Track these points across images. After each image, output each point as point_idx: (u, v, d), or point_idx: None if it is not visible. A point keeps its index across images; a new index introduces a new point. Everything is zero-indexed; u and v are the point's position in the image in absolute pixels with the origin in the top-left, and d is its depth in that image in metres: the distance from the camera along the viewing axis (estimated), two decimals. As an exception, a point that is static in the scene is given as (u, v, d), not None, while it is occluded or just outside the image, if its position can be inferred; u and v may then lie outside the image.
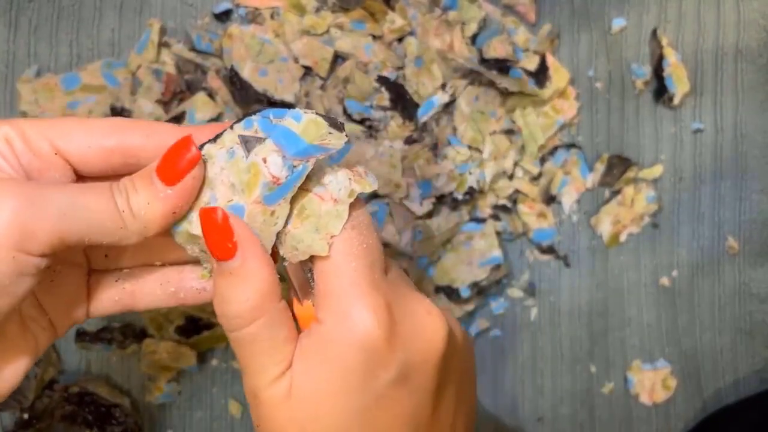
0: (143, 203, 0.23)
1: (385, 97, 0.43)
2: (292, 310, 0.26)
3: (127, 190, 0.23)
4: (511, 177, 0.45)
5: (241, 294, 0.23)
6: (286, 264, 0.25)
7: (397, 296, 0.25)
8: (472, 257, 0.44)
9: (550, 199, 0.46)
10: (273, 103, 0.42)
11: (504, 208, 0.45)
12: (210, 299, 0.26)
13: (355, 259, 0.24)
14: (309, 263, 0.25)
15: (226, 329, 0.24)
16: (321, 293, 0.24)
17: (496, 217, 0.45)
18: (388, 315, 0.24)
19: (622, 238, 0.46)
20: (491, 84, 0.44)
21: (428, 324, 0.25)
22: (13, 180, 0.22)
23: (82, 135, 0.24)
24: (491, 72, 0.44)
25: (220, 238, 0.23)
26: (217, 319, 0.24)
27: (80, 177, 0.25)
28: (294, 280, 0.26)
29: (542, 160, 0.46)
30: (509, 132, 0.45)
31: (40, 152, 0.24)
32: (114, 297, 0.28)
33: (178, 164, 0.23)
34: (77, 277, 0.28)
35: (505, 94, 0.44)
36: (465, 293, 0.44)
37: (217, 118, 0.43)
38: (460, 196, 0.44)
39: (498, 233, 0.45)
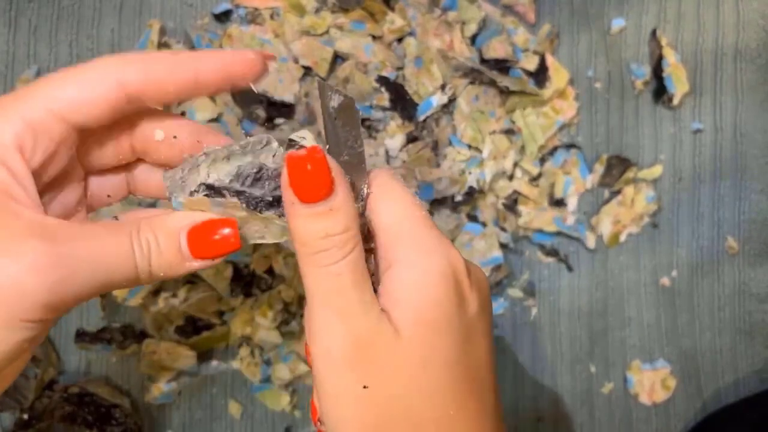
0: (165, 266, 0.23)
1: (384, 97, 0.43)
2: None
3: (150, 249, 0.23)
4: (511, 177, 0.45)
5: (343, 224, 0.24)
6: None
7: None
8: (472, 257, 0.44)
9: (556, 203, 0.46)
10: (273, 104, 0.42)
11: (505, 209, 0.45)
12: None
13: (419, 208, 0.26)
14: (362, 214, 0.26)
15: (328, 262, 0.24)
16: (397, 238, 0.25)
17: (496, 218, 0.45)
18: (459, 253, 0.26)
19: (622, 238, 0.46)
20: (492, 83, 0.44)
21: (483, 273, 0.28)
22: (37, 237, 0.21)
23: (78, 86, 0.22)
24: (492, 71, 0.44)
25: (319, 175, 0.23)
26: (312, 257, 0.24)
27: (83, 138, 0.24)
28: None
29: (542, 161, 0.46)
30: (509, 132, 0.45)
31: (50, 133, 0.22)
32: (116, 185, 0.27)
33: (212, 249, 0.23)
34: (76, 183, 0.26)
35: (506, 93, 0.44)
36: (465, 293, 0.44)
37: (217, 119, 0.43)
38: (460, 197, 0.44)
39: (498, 234, 0.45)
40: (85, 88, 0.22)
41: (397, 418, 0.24)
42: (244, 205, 0.24)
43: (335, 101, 0.25)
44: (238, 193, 0.24)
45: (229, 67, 0.24)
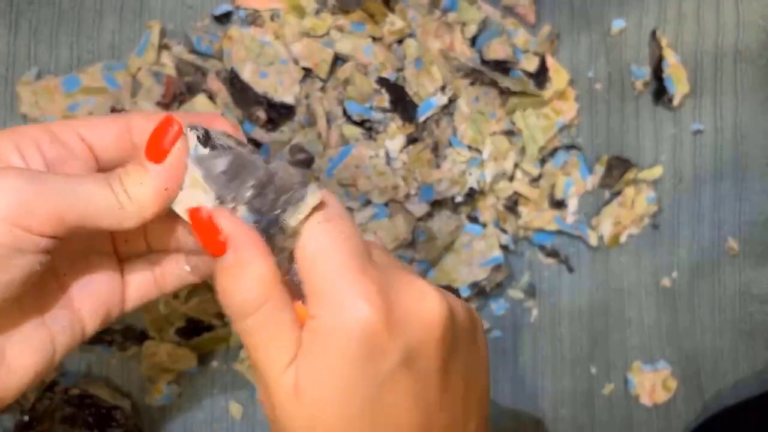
0: (136, 184, 0.25)
1: (385, 99, 0.43)
2: None
3: (120, 175, 0.25)
4: (511, 178, 0.45)
5: (243, 284, 0.24)
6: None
7: (388, 280, 0.25)
8: (472, 258, 0.44)
9: (556, 204, 0.46)
10: (273, 105, 0.42)
11: (505, 210, 0.45)
12: None
13: (336, 250, 0.24)
14: (291, 263, 0.25)
15: (234, 321, 0.25)
16: (310, 289, 0.25)
17: (497, 219, 0.45)
18: (381, 300, 0.24)
19: (623, 239, 0.46)
20: (492, 84, 0.44)
21: (424, 305, 0.25)
22: (16, 167, 0.24)
23: (101, 124, 0.27)
24: (493, 72, 0.44)
25: (209, 236, 0.24)
26: (224, 311, 0.25)
27: (101, 169, 0.27)
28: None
29: (542, 162, 0.46)
30: (509, 133, 0.45)
31: (67, 143, 0.26)
32: (148, 281, 0.29)
33: (163, 141, 0.25)
34: (110, 267, 0.29)
35: (507, 93, 0.44)
36: (465, 293, 0.44)
37: (217, 120, 0.43)
38: (460, 198, 0.44)
39: (499, 235, 0.45)
40: (100, 121, 0.28)
41: None
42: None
43: (220, 165, 0.26)
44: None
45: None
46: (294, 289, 0.26)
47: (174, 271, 0.30)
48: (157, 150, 0.25)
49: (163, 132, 0.25)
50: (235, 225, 0.24)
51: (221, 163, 0.25)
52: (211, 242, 0.24)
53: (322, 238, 0.25)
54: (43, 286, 0.26)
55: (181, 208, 0.26)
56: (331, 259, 0.24)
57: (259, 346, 0.24)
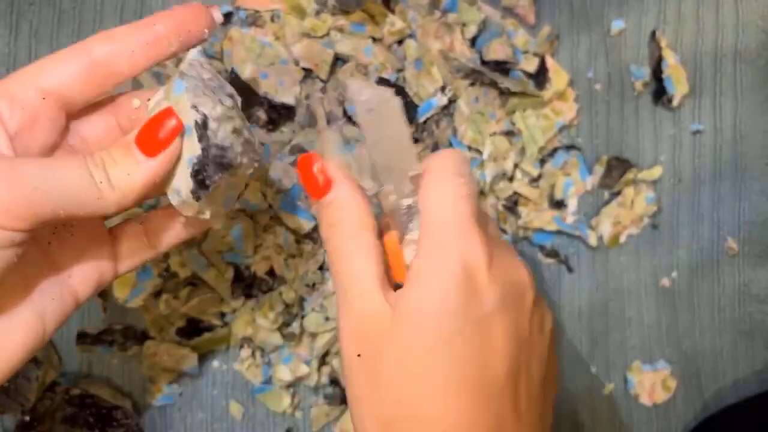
0: (123, 174, 0.23)
1: (385, 99, 0.43)
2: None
3: (104, 162, 0.23)
4: (511, 179, 0.45)
5: (337, 216, 0.27)
6: (378, 193, 0.28)
7: (492, 239, 0.28)
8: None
9: (556, 204, 0.46)
10: (273, 106, 0.42)
11: (505, 210, 0.45)
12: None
13: (464, 200, 0.27)
14: (406, 198, 0.28)
15: (333, 249, 0.27)
16: (428, 228, 0.27)
17: (497, 219, 0.45)
18: (489, 250, 0.27)
19: (622, 239, 0.46)
20: (492, 84, 0.44)
21: (519, 266, 0.28)
22: None
23: (57, 64, 0.25)
24: (493, 73, 0.44)
25: (316, 182, 0.27)
26: (325, 234, 0.28)
27: (72, 119, 0.26)
28: (385, 209, 0.29)
29: (542, 162, 0.46)
30: (509, 134, 0.45)
31: (28, 104, 0.24)
32: (139, 241, 0.29)
33: (160, 135, 0.24)
34: (97, 229, 0.28)
35: (506, 94, 0.45)
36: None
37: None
38: (460, 198, 0.44)
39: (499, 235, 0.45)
40: (55, 59, 0.25)
41: (391, 400, 0.26)
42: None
43: (365, 95, 0.27)
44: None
45: (181, 22, 0.26)
46: (402, 229, 0.28)
47: (167, 228, 0.29)
48: (152, 144, 0.24)
49: (160, 124, 0.24)
50: (338, 169, 0.28)
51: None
52: (317, 182, 0.27)
53: (454, 189, 0.27)
54: (27, 259, 0.25)
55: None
56: (457, 206, 0.27)
57: (347, 274, 0.27)
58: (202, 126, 0.24)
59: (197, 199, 0.25)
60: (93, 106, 0.27)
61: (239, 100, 0.28)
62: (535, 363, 0.28)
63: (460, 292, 0.25)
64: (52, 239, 0.26)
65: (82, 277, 0.27)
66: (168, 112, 0.24)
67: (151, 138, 0.24)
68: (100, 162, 0.23)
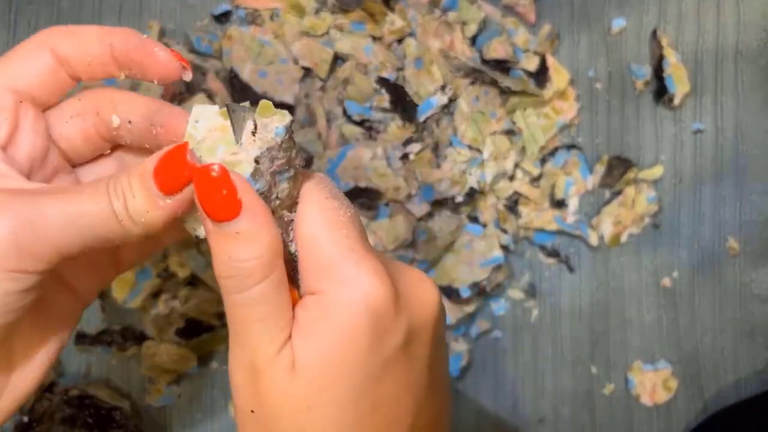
0: (142, 211, 0.22)
1: (385, 99, 0.43)
2: None
3: (125, 195, 0.22)
4: (511, 178, 0.45)
5: (253, 251, 0.22)
6: None
7: (387, 262, 0.24)
8: (472, 258, 0.44)
9: (557, 203, 0.46)
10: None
11: (505, 210, 0.45)
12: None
13: (345, 227, 0.23)
14: (291, 241, 0.24)
15: (232, 291, 0.22)
16: (315, 264, 0.23)
17: (497, 219, 0.45)
18: (388, 279, 0.23)
19: (623, 238, 0.46)
20: (493, 83, 0.44)
21: (424, 289, 0.25)
22: (8, 193, 0.22)
23: (26, 64, 0.24)
24: (494, 72, 0.43)
25: (221, 197, 0.21)
26: (220, 281, 0.23)
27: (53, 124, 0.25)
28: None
29: (542, 161, 0.46)
30: (510, 133, 0.45)
31: (10, 109, 0.23)
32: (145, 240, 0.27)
33: (174, 177, 0.22)
34: None
35: (507, 93, 0.44)
36: (465, 293, 0.44)
37: (216, 120, 0.43)
38: (461, 198, 0.44)
39: (499, 235, 0.45)
40: (21, 57, 0.24)
41: None
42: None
43: (252, 126, 0.23)
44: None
45: (138, 53, 0.24)
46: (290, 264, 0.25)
47: (169, 226, 0.27)
48: (169, 185, 0.22)
49: (174, 166, 0.22)
50: (250, 188, 0.22)
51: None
52: (222, 204, 0.21)
53: (330, 215, 0.24)
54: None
55: None
56: (339, 235, 0.23)
57: (255, 321, 0.23)
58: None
59: None
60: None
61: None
62: (436, 381, 0.26)
63: (366, 335, 0.22)
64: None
65: (85, 281, 0.27)
66: (182, 151, 0.22)
67: (167, 177, 0.22)
68: (121, 195, 0.22)
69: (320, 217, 0.24)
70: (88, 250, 0.22)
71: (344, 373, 0.23)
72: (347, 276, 0.23)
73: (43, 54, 0.24)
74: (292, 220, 0.24)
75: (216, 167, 0.21)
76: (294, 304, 0.24)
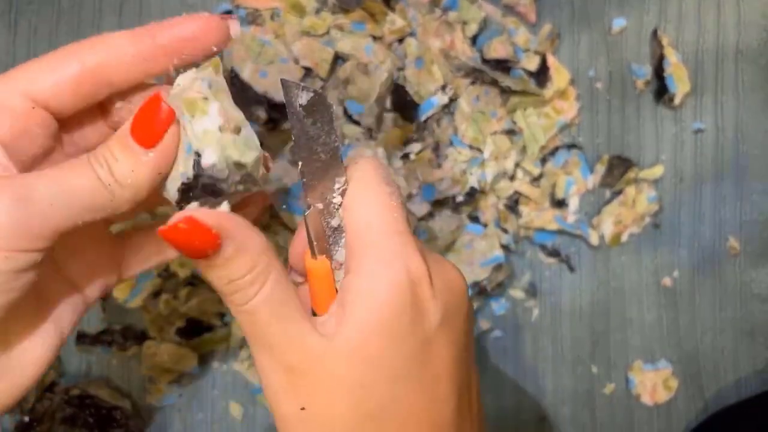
0: (127, 171, 0.23)
1: (385, 98, 0.43)
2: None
3: (107, 161, 0.23)
4: (512, 178, 0.45)
5: (245, 266, 0.23)
6: (306, 215, 0.25)
7: (424, 249, 0.26)
8: (473, 257, 0.44)
9: (557, 203, 0.46)
10: (274, 105, 0.42)
11: (506, 209, 0.45)
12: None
13: (395, 210, 0.25)
14: (332, 216, 0.25)
15: (240, 303, 0.24)
16: (361, 243, 0.24)
17: (497, 219, 0.45)
18: (426, 262, 0.25)
19: (624, 238, 0.46)
20: (493, 83, 0.44)
21: (457, 275, 0.26)
22: None
23: (47, 72, 0.23)
24: (495, 71, 0.43)
25: (199, 241, 0.22)
26: (225, 299, 0.24)
27: (62, 123, 0.25)
28: (312, 232, 0.25)
29: (543, 161, 0.46)
30: (510, 132, 0.45)
31: (17, 112, 0.23)
32: (146, 247, 0.28)
33: (153, 125, 0.22)
34: (102, 236, 0.27)
35: (507, 92, 0.44)
36: (466, 294, 0.44)
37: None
38: (461, 197, 0.44)
39: (499, 235, 0.45)
40: (43, 65, 0.23)
41: None
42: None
43: (303, 99, 0.24)
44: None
45: (185, 36, 0.24)
46: (324, 242, 0.26)
47: None
48: (147, 135, 0.23)
49: (151, 114, 0.22)
50: (218, 215, 0.23)
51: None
52: (201, 244, 0.22)
53: (383, 198, 0.25)
54: (41, 272, 0.25)
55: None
56: (389, 218, 0.25)
57: (270, 322, 0.23)
58: (196, 153, 0.23)
59: (180, 208, 0.24)
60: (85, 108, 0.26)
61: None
62: (473, 374, 0.27)
63: (408, 310, 0.24)
64: (57, 246, 0.26)
65: (88, 280, 0.27)
66: (156, 99, 0.22)
67: (146, 129, 0.22)
68: (103, 161, 0.23)
69: (375, 203, 0.25)
70: (83, 224, 0.22)
71: (392, 348, 0.23)
72: (391, 254, 0.24)
73: (69, 64, 0.23)
74: (332, 201, 0.25)
75: (183, 220, 0.22)
76: (326, 277, 0.25)
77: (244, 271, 0.23)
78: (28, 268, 0.22)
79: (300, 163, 0.25)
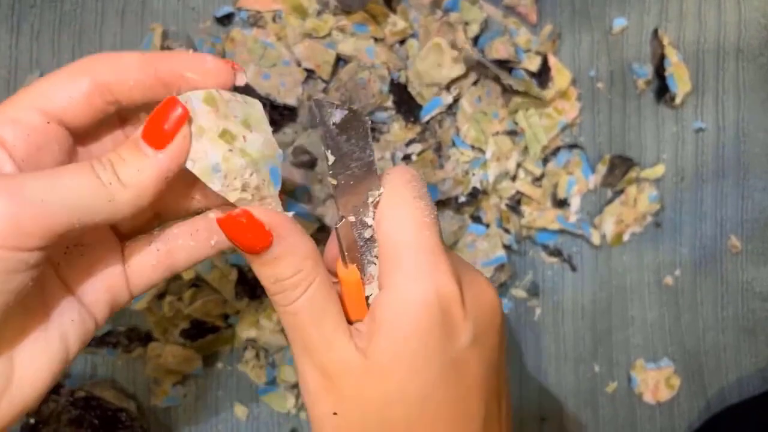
0: (133, 171, 0.23)
1: (388, 99, 0.43)
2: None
3: (112, 162, 0.23)
4: (514, 178, 0.45)
5: (292, 268, 0.24)
6: (338, 226, 0.25)
7: (458, 265, 0.26)
8: (475, 258, 0.44)
9: (559, 203, 0.46)
10: (276, 107, 0.42)
11: (508, 210, 0.45)
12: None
13: (427, 227, 0.25)
14: (364, 228, 0.26)
15: (284, 304, 0.25)
16: (393, 259, 0.25)
17: (500, 219, 0.45)
18: (457, 279, 0.25)
19: (625, 237, 0.46)
20: (495, 80, 0.44)
21: (489, 292, 0.26)
22: None
23: (60, 88, 0.24)
24: (499, 70, 0.44)
25: (253, 236, 0.23)
26: (271, 298, 0.25)
27: (77, 137, 0.25)
28: (344, 242, 0.26)
29: (545, 161, 0.46)
30: (512, 133, 0.45)
31: (32, 129, 0.23)
32: (152, 262, 0.27)
33: (165, 126, 0.23)
34: (109, 252, 0.27)
35: (509, 92, 0.44)
36: (469, 294, 0.44)
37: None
38: (463, 198, 0.44)
39: (502, 235, 0.45)
40: (56, 81, 0.24)
41: None
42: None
43: (336, 117, 0.24)
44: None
45: (189, 74, 0.25)
46: (356, 252, 0.26)
47: (182, 246, 0.27)
48: (159, 136, 0.23)
49: (165, 115, 0.23)
50: (271, 215, 0.24)
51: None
52: (254, 238, 0.23)
53: (417, 213, 0.25)
54: (44, 284, 0.24)
55: (197, 167, 0.24)
56: (421, 235, 0.25)
57: (310, 326, 0.24)
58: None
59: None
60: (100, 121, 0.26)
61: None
62: (504, 383, 0.28)
63: (437, 329, 0.24)
64: (62, 260, 0.26)
65: (95, 298, 0.26)
66: (172, 101, 0.23)
67: (158, 129, 0.23)
68: (107, 163, 0.23)
69: (408, 219, 0.25)
70: (81, 226, 0.22)
71: (422, 365, 0.24)
72: (423, 272, 0.24)
73: (81, 80, 0.24)
74: (364, 221, 0.26)
75: (242, 214, 0.23)
76: (356, 286, 0.26)
77: (290, 273, 0.24)
78: (21, 269, 0.21)
79: (332, 180, 0.25)
